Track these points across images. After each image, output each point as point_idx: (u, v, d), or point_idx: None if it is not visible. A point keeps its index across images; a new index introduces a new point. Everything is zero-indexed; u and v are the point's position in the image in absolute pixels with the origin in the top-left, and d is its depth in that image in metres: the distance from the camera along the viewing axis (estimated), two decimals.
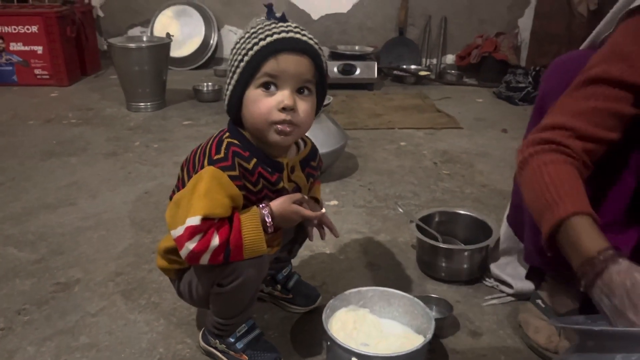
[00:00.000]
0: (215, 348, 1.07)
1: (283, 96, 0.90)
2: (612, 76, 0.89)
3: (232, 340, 1.05)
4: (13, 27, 3.08)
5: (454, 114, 2.84)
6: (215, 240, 0.89)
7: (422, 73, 3.52)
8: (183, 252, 0.90)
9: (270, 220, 0.94)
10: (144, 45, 2.73)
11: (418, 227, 1.40)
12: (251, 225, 0.92)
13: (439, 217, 1.48)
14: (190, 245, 0.89)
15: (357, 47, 3.54)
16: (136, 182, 1.94)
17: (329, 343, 0.98)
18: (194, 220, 0.88)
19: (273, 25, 0.90)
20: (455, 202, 1.81)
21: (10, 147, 2.26)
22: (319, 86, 0.96)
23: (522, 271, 1.28)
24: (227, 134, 0.96)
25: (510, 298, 1.29)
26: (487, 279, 1.35)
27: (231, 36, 3.88)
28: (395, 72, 3.54)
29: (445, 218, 1.48)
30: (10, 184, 1.91)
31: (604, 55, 0.93)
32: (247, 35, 0.91)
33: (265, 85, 0.90)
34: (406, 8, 3.71)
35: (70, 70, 3.24)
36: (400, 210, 1.45)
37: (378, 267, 1.43)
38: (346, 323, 1.06)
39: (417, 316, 1.07)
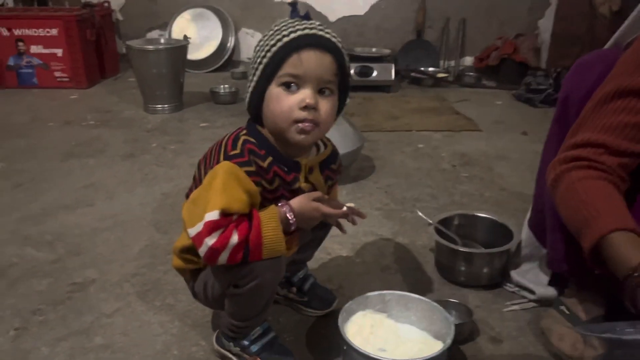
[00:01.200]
0: (230, 351, 1.06)
1: (305, 94, 0.89)
2: (638, 88, 0.87)
3: (246, 343, 1.04)
4: (34, 30, 3.12)
5: (472, 116, 2.80)
6: (235, 238, 0.87)
7: (440, 75, 3.49)
8: (202, 250, 0.88)
9: (292, 217, 0.93)
10: (161, 47, 2.75)
11: (437, 230, 1.37)
12: (271, 224, 0.90)
13: (458, 220, 1.45)
14: (210, 241, 0.87)
15: (374, 49, 3.51)
16: (153, 183, 1.94)
17: (345, 348, 0.96)
18: (213, 215, 0.86)
19: (297, 23, 0.89)
20: (474, 205, 1.78)
21: (30, 148, 2.29)
22: (340, 86, 0.95)
23: (544, 278, 1.25)
24: (244, 131, 0.95)
25: (532, 304, 1.25)
26: (507, 284, 1.32)
27: (248, 39, 3.89)
28: (412, 74, 3.51)
29: (465, 221, 1.45)
30: (29, 185, 1.92)
31: (628, 65, 0.91)
32: (270, 33, 0.91)
33: (287, 85, 0.89)
34: (424, 10, 3.68)
35: (90, 73, 3.28)
36: (419, 213, 1.42)
37: (395, 271, 1.41)
38: (363, 327, 1.04)
39: (436, 321, 1.04)
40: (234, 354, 1.05)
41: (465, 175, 2.04)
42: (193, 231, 0.89)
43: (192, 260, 1.01)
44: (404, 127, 2.61)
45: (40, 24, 3.11)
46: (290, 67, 0.88)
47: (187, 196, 0.99)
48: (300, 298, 1.23)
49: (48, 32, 3.12)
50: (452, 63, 3.77)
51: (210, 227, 0.87)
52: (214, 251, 0.88)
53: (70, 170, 2.06)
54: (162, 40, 2.95)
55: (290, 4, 0.96)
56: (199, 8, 3.70)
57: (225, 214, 0.87)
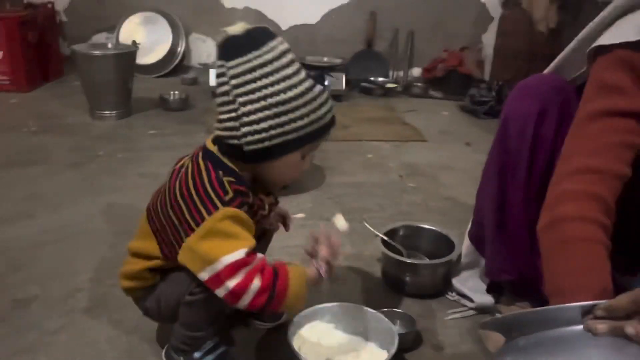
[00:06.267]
0: None
1: (308, 162, 1.02)
2: (617, 108, 0.87)
3: (197, 356, 1.04)
4: None
5: (419, 126, 2.89)
6: (257, 281, 0.90)
7: (390, 85, 3.58)
8: (221, 291, 0.90)
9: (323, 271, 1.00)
10: (109, 52, 2.68)
11: (383, 241, 1.42)
12: (300, 280, 0.96)
13: (404, 231, 1.50)
14: (231, 282, 0.89)
15: (325, 59, 3.56)
16: (99, 194, 1.90)
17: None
18: (238, 255, 0.89)
19: (324, 93, 0.99)
20: (420, 215, 1.85)
21: None
22: None
23: (483, 285, 1.32)
24: (221, 172, 0.95)
25: (472, 312, 1.32)
26: (450, 293, 1.38)
27: (199, 44, 3.85)
28: (363, 84, 3.58)
29: (410, 232, 1.51)
30: None
31: (596, 91, 0.91)
32: (303, 90, 0.94)
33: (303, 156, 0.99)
34: (374, 21, 3.77)
35: (31, 76, 3.15)
36: (366, 224, 1.47)
37: (343, 281, 1.44)
38: (311, 339, 1.07)
39: (381, 331, 1.09)
40: None
41: (411, 185, 2.11)
42: (207, 274, 0.90)
43: (143, 278, 1.04)
44: (354, 137, 2.66)
45: None
46: (319, 142, 0.99)
47: (154, 233, 1.01)
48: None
49: None
50: (401, 73, 3.87)
51: (235, 267, 0.89)
52: (236, 292, 0.90)
53: (10, 180, 1.98)
54: (110, 45, 2.87)
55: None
56: (148, 12, 3.64)
57: (250, 252, 0.91)
